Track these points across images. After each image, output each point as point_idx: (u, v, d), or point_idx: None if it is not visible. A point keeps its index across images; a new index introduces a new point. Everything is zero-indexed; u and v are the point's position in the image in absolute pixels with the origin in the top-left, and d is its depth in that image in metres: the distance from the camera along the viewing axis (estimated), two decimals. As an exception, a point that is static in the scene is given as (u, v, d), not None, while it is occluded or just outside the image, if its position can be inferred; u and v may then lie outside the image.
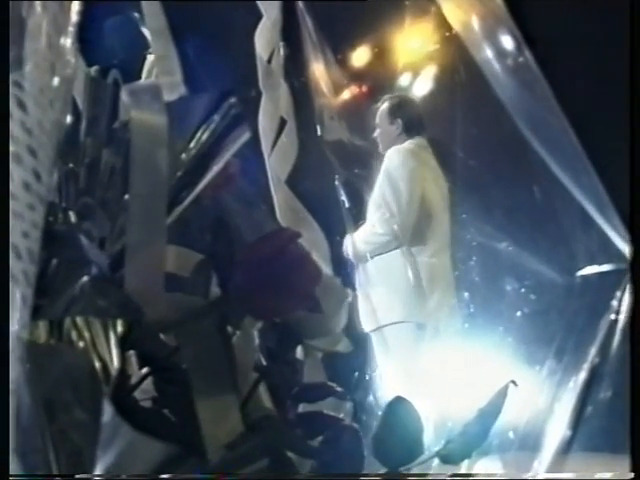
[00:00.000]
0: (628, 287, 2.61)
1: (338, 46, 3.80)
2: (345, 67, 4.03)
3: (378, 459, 0.99)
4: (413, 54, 4.22)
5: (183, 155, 0.99)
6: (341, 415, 1.12)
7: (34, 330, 0.80)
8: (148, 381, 0.97)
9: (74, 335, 0.84)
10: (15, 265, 0.72)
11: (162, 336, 0.98)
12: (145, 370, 0.97)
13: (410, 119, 4.00)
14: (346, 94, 4.17)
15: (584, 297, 3.27)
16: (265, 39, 3.02)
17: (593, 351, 2.69)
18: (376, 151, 4.17)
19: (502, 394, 1.01)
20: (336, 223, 3.82)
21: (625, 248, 2.30)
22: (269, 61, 3.04)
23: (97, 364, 0.81)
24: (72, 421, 0.73)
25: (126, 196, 0.96)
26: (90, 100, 1.18)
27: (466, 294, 4.10)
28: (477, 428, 1.01)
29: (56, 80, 0.83)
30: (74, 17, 0.96)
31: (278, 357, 1.01)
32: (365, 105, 4.33)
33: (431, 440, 1.03)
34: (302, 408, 1.10)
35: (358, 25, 3.91)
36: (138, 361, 1.00)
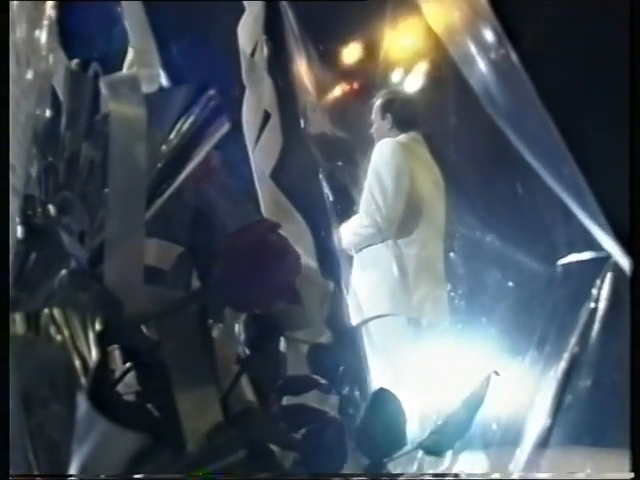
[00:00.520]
0: (608, 275, 2.62)
1: (321, 39, 3.80)
2: (328, 60, 4.04)
3: (361, 451, 0.99)
4: (396, 48, 4.23)
5: (162, 147, 0.98)
6: (325, 408, 1.12)
7: (11, 323, 0.80)
8: (130, 375, 0.97)
9: (52, 329, 0.83)
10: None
11: (144, 330, 0.98)
12: (127, 364, 0.97)
13: (400, 114, 4.01)
14: (329, 87, 4.18)
15: (565, 286, 3.28)
16: (248, 33, 3.00)
17: (573, 340, 2.70)
18: (359, 143, 4.19)
19: (485, 385, 1.01)
20: (320, 217, 3.83)
21: (604, 236, 2.31)
22: (252, 55, 3.02)
23: (75, 358, 0.81)
24: (49, 415, 0.73)
25: (106, 190, 0.96)
26: (70, 93, 1.17)
27: (449, 286, 4.12)
28: (460, 419, 1.01)
29: (30, 73, 0.82)
30: (50, 11, 0.95)
31: (259, 349, 1.01)
32: (348, 97, 4.34)
33: (414, 432, 1.03)
34: (286, 401, 1.10)
35: (341, 18, 3.91)
36: (120, 355, 1.00)
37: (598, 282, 2.70)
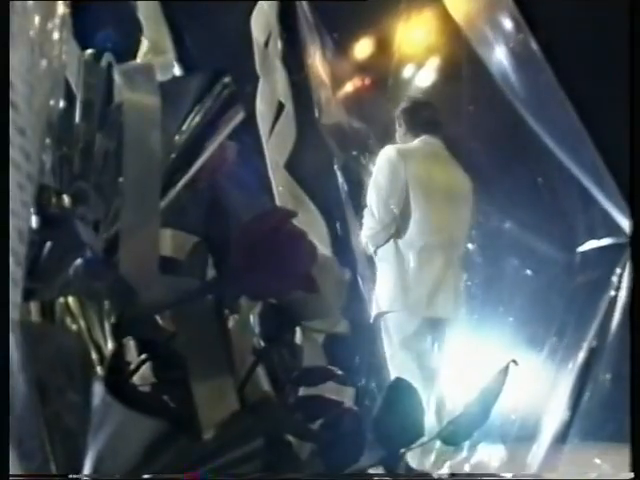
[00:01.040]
0: (628, 263, 2.60)
1: (335, 27, 3.79)
2: (343, 49, 4.02)
3: (379, 442, 0.98)
4: (411, 37, 4.21)
5: (177, 136, 0.98)
6: (342, 399, 1.11)
7: (27, 312, 0.80)
8: (146, 367, 0.97)
9: (67, 318, 0.83)
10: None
11: (160, 321, 0.98)
12: (143, 356, 0.97)
13: (412, 119, 4.09)
14: (344, 77, 4.16)
15: (584, 274, 3.26)
16: (261, 23, 3.00)
17: (593, 330, 2.68)
18: (375, 133, 4.18)
19: (502, 375, 1.00)
20: (335, 207, 3.82)
21: (625, 222, 2.29)
22: (266, 45, 3.02)
23: (91, 347, 0.80)
24: (66, 404, 0.73)
25: (120, 179, 0.95)
26: (84, 84, 1.16)
27: (465, 275, 4.11)
28: (478, 408, 1.00)
29: (44, 61, 0.82)
30: (63, 2, 0.95)
31: (275, 339, 1.00)
32: (363, 87, 4.32)
33: (432, 422, 1.02)
34: (302, 392, 1.09)
35: (355, 6, 3.90)
36: (136, 346, 1.00)
37: (618, 270, 2.68)
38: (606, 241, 2.97)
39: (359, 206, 4.06)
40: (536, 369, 3.08)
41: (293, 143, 2.97)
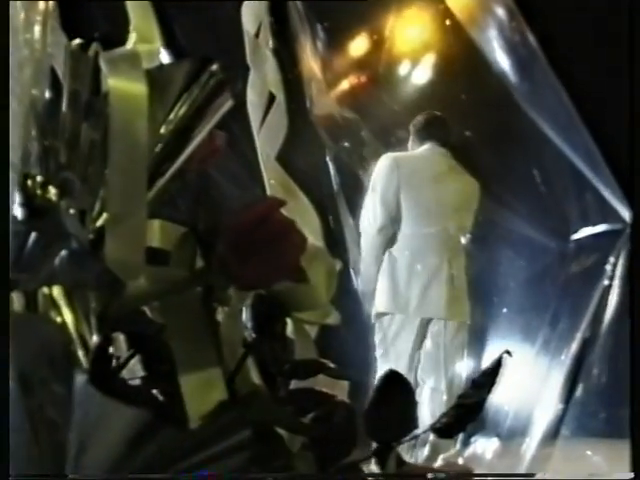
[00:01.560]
0: (623, 251, 2.59)
1: (326, 17, 3.77)
2: (334, 39, 4.00)
3: (371, 435, 0.97)
4: (404, 25, 4.21)
5: (164, 125, 0.96)
6: (334, 392, 1.10)
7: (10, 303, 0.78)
8: (135, 360, 0.96)
9: (52, 309, 0.82)
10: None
11: (147, 313, 0.96)
12: (131, 349, 0.96)
13: (417, 127, 4.22)
14: (336, 67, 4.15)
15: (578, 262, 3.25)
16: (252, 13, 2.98)
17: (586, 320, 2.67)
18: (367, 124, 4.19)
19: (496, 365, 0.99)
20: (327, 198, 3.82)
21: (619, 208, 2.28)
22: (256, 35, 3.00)
23: (76, 339, 0.79)
24: (49, 396, 0.71)
25: (107, 169, 0.94)
26: (70, 74, 1.15)
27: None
28: (471, 400, 0.99)
29: (26, 49, 0.80)
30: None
31: (265, 331, 0.99)
32: (355, 77, 4.31)
33: (425, 414, 1.01)
34: (293, 385, 1.08)
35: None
36: (125, 339, 0.99)
37: (612, 259, 2.66)
38: (601, 228, 2.96)
39: (351, 197, 4.06)
40: (529, 361, 3.07)
41: (284, 134, 2.95)
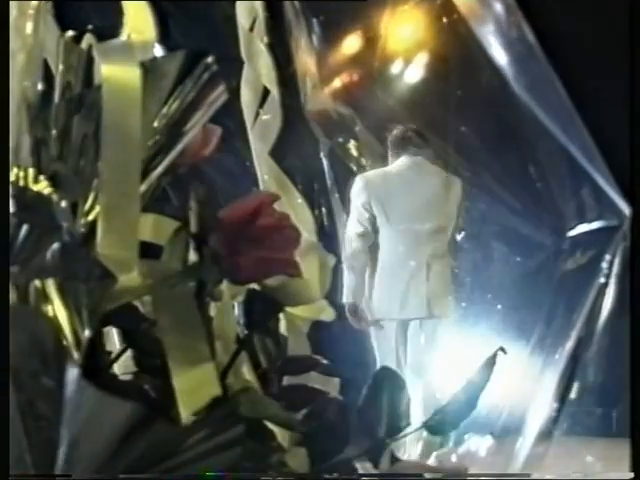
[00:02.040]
0: (620, 248, 2.58)
1: (321, 10, 3.76)
2: (329, 33, 3.99)
3: (364, 432, 0.97)
4: (399, 19, 4.20)
5: (157, 118, 0.95)
6: (327, 388, 1.10)
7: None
8: (127, 355, 0.95)
9: (43, 302, 0.81)
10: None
11: (139, 307, 0.96)
12: (123, 344, 0.95)
13: (392, 142, 4.37)
14: (330, 61, 4.14)
15: (574, 260, 3.25)
16: (246, 6, 2.97)
17: (582, 318, 2.66)
18: (361, 119, 4.20)
19: (490, 363, 0.99)
20: (320, 194, 3.82)
21: (616, 204, 2.28)
22: (251, 29, 2.99)
23: (68, 333, 0.78)
24: (40, 390, 0.71)
25: (100, 162, 0.93)
26: (63, 66, 1.14)
27: (454, 262, 4.14)
28: (465, 398, 0.98)
29: (19, 40, 0.80)
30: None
31: (258, 326, 0.98)
32: (350, 72, 4.31)
33: (418, 411, 1.01)
34: (286, 381, 1.08)
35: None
36: (117, 334, 0.98)
37: (608, 257, 2.66)
38: (597, 224, 2.96)
39: (345, 193, 4.07)
40: (524, 358, 3.07)
41: (278, 129, 2.94)
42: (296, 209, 2.27)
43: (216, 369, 0.84)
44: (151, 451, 0.71)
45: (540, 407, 2.59)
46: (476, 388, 0.99)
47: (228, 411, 0.79)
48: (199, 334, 0.84)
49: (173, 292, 0.86)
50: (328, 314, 1.09)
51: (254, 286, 0.95)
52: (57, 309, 0.81)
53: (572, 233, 3.31)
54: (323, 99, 3.92)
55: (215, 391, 0.80)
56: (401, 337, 4.19)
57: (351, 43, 4.25)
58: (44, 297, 0.82)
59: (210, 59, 0.95)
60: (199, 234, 0.88)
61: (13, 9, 0.99)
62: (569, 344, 2.71)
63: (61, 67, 1.12)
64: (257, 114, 2.95)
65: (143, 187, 0.93)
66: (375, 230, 4.27)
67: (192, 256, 0.91)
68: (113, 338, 1.01)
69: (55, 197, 0.95)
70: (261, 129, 2.95)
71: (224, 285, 0.94)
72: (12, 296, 0.80)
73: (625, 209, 2.44)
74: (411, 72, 4.34)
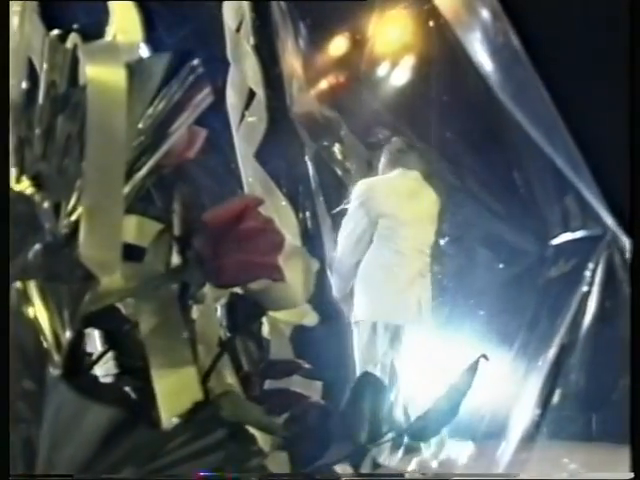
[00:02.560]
0: (603, 256, 2.59)
1: (308, 13, 3.76)
2: (316, 35, 3.99)
3: (345, 436, 0.96)
4: (386, 23, 4.20)
5: (142, 118, 0.95)
6: (309, 393, 1.09)
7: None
8: (108, 357, 0.94)
9: (24, 303, 0.80)
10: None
11: (122, 309, 0.95)
12: (105, 346, 0.94)
13: (391, 152, 4.44)
14: (317, 64, 4.14)
15: (557, 268, 3.26)
16: (233, 7, 2.96)
17: (564, 326, 2.67)
18: (347, 122, 4.21)
19: (472, 369, 0.99)
20: (305, 197, 3.81)
21: (600, 213, 2.28)
22: (237, 30, 2.98)
23: (48, 334, 0.78)
24: (20, 392, 0.70)
25: (83, 162, 0.92)
26: (48, 65, 1.13)
27: (437, 267, 4.15)
28: (447, 404, 0.98)
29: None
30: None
31: (241, 330, 0.98)
32: (336, 75, 4.30)
33: (400, 417, 1.01)
34: (268, 385, 1.07)
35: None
36: (98, 336, 0.97)
37: (591, 265, 2.67)
38: (580, 233, 2.97)
39: (329, 196, 4.07)
40: (506, 365, 3.07)
41: (264, 132, 2.94)
42: (280, 212, 2.26)
43: (198, 372, 0.83)
44: (132, 454, 0.71)
45: (522, 413, 2.59)
46: (458, 394, 0.99)
47: (210, 415, 0.79)
48: (181, 337, 0.84)
49: (156, 295, 0.85)
50: (311, 319, 1.08)
51: (237, 290, 0.95)
52: (38, 310, 0.80)
53: (556, 241, 3.32)
54: (309, 102, 3.92)
55: (197, 395, 0.80)
56: (393, 341, 4.22)
57: (338, 46, 4.25)
58: (25, 298, 0.81)
59: (196, 61, 0.95)
60: (183, 237, 0.87)
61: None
62: (552, 351, 2.71)
63: (46, 66, 1.11)
64: (242, 116, 2.94)
65: (127, 188, 0.93)
66: (371, 236, 4.31)
67: (175, 259, 0.91)
68: (94, 340, 1.01)
69: (38, 197, 0.94)
70: (246, 131, 2.94)
71: (207, 288, 0.93)
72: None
73: (608, 219, 2.45)
74: (397, 76, 4.34)
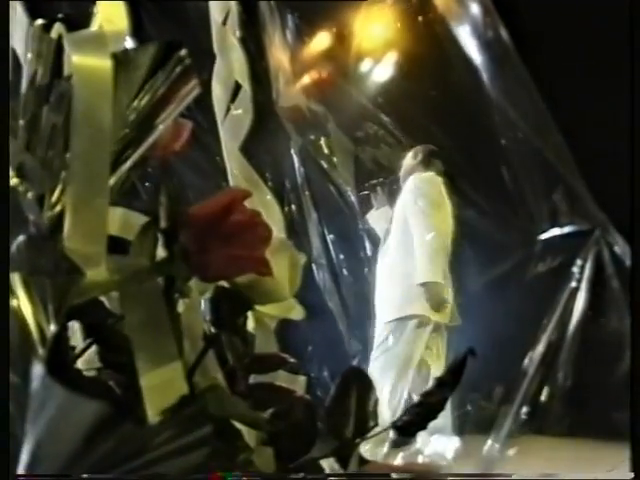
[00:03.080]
0: (591, 252, 2.60)
1: (296, 6, 3.75)
2: (303, 29, 3.98)
3: (331, 432, 0.96)
4: (374, 17, 4.20)
5: (128, 110, 0.94)
6: (294, 387, 1.09)
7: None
8: (91, 351, 0.94)
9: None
10: None
11: (106, 303, 0.94)
12: (89, 339, 0.94)
13: (422, 156, 4.46)
14: (304, 57, 4.13)
15: (545, 264, 3.27)
16: (220, 0, 2.94)
17: (552, 323, 2.67)
18: (334, 116, 4.21)
19: (459, 365, 0.98)
20: (291, 191, 3.81)
21: (589, 208, 2.29)
22: (224, 23, 2.96)
23: (32, 327, 0.77)
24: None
25: (68, 154, 0.91)
26: (32, 55, 1.12)
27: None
28: (434, 399, 0.98)
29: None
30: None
31: (227, 324, 0.97)
32: (323, 70, 4.29)
33: (386, 411, 1.01)
34: (253, 379, 1.07)
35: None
36: (82, 330, 0.97)
37: (579, 261, 2.67)
38: (569, 228, 2.97)
39: (315, 190, 4.06)
40: (494, 360, 3.08)
41: (249, 125, 2.92)
42: (265, 206, 2.25)
43: (183, 368, 0.83)
44: (117, 451, 0.70)
45: (510, 409, 2.59)
46: (445, 389, 0.99)
47: (196, 410, 0.78)
48: (167, 331, 0.83)
49: (141, 288, 0.84)
50: (298, 313, 1.08)
51: (223, 283, 0.94)
52: (22, 304, 0.79)
53: (544, 236, 3.32)
54: (296, 95, 3.91)
55: (182, 390, 0.79)
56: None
57: (325, 40, 4.24)
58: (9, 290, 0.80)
59: (183, 52, 0.94)
60: (169, 230, 0.86)
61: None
62: (539, 348, 2.72)
63: (30, 56, 1.10)
64: (228, 109, 2.93)
65: (112, 180, 0.92)
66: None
67: (161, 252, 0.90)
68: (77, 333, 1.00)
69: (21, 188, 0.93)
70: (232, 124, 2.92)
71: (192, 282, 0.92)
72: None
73: (596, 214, 2.46)
74: (384, 70, 4.34)
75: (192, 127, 1.08)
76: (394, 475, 0.97)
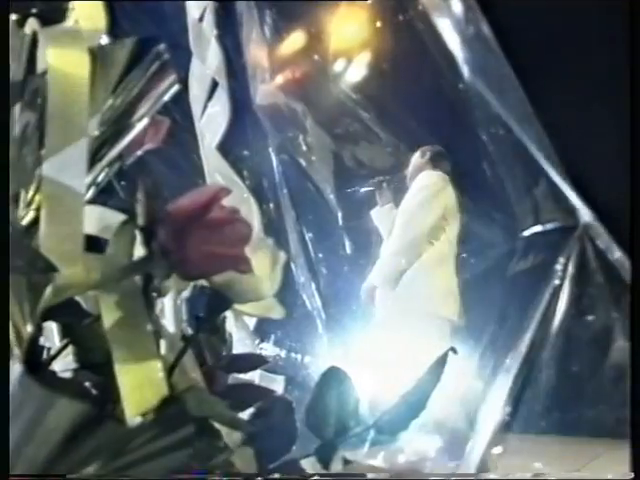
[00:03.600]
0: (575, 249, 2.60)
1: (273, 3, 3.73)
2: (281, 25, 3.96)
3: (311, 431, 0.95)
4: (353, 11, 4.19)
5: (105, 106, 0.92)
6: (273, 387, 1.08)
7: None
8: (68, 350, 0.92)
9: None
10: None
11: (83, 304, 0.93)
12: (65, 340, 0.92)
13: (429, 156, 4.42)
14: (282, 54, 4.11)
15: (528, 261, 3.27)
16: (196, -4, 2.93)
17: (535, 321, 2.68)
18: (312, 113, 4.19)
19: (441, 362, 0.97)
20: (269, 189, 3.79)
21: (572, 205, 2.29)
22: (200, 19, 2.95)
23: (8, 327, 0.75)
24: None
25: (42, 151, 0.90)
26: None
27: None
28: (415, 398, 0.97)
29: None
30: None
31: (205, 323, 0.96)
32: (302, 65, 4.28)
33: (367, 411, 1.00)
34: (232, 379, 1.06)
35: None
36: (58, 330, 0.95)
37: (562, 259, 2.67)
38: (552, 225, 2.98)
39: (293, 188, 4.05)
40: (476, 359, 3.08)
41: (227, 123, 2.91)
42: (243, 204, 2.25)
43: (162, 368, 0.81)
44: (97, 452, 0.69)
45: (492, 409, 2.59)
46: (426, 388, 0.98)
47: (176, 411, 0.77)
48: (145, 330, 0.82)
49: (119, 287, 0.83)
50: (278, 312, 1.07)
51: (201, 282, 0.93)
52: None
53: (526, 233, 3.33)
54: (273, 93, 3.89)
55: (162, 390, 0.78)
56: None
57: (304, 36, 4.22)
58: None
59: (161, 47, 0.93)
60: (147, 227, 0.85)
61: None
62: (522, 346, 2.72)
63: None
64: (205, 106, 2.91)
65: (88, 178, 0.91)
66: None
67: (139, 250, 0.89)
68: (53, 334, 0.98)
69: (-4, 187, 0.92)
70: (209, 122, 2.91)
71: (171, 280, 0.91)
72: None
73: (580, 210, 2.46)
74: (364, 67, 4.33)
75: (169, 124, 1.07)
76: (369, 475, 0.97)
